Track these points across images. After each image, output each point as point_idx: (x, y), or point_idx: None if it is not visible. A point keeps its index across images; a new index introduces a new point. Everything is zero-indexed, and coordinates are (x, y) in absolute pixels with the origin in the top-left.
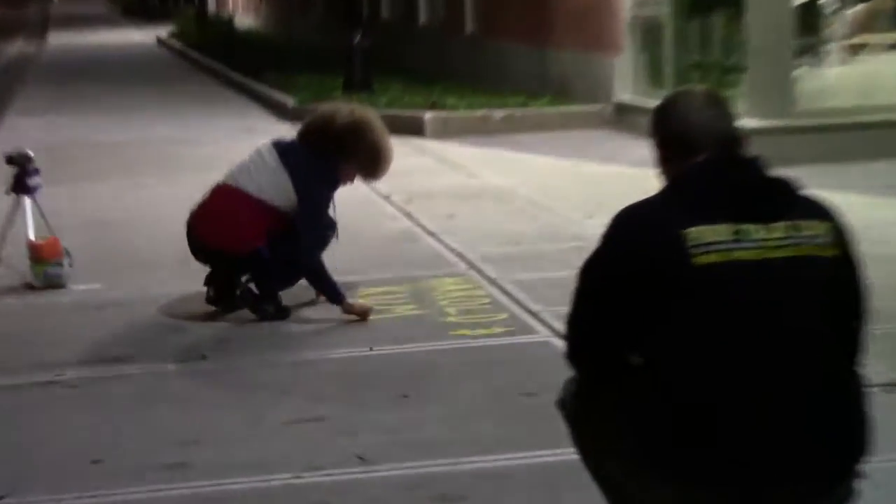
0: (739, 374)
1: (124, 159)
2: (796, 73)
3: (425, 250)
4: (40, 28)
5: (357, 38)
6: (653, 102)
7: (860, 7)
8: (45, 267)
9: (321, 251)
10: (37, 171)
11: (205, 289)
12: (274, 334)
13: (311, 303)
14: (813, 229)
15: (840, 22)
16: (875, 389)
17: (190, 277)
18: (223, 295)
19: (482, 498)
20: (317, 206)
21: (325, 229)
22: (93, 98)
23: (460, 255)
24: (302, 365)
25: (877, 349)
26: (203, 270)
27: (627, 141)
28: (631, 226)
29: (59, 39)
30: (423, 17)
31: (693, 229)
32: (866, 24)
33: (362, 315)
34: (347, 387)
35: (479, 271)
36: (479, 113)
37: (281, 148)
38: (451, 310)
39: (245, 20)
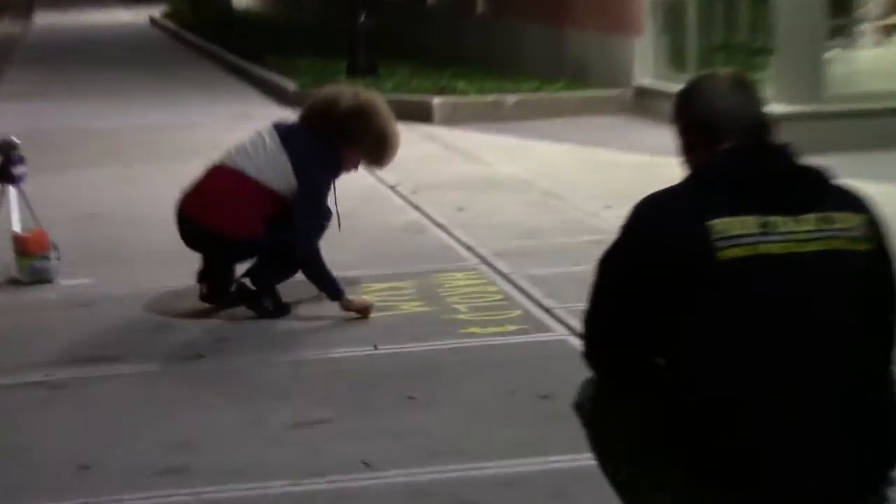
0: (767, 372)
1: (115, 147)
2: (828, 55)
3: (433, 243)
4: (25, 7)
5: (361, 19)
6: (675, 87)
7: None
8: (31, 261)
9: (317, 240)
10: (22, 160)
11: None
12: (273, 332)
13: (313, 299)
14: (846, 222)
15: (874, 1)
16: None
17: (184, 272)
18: (217, 290)
19: None
20: (316, 191)
21: (320, 217)
22: (82, 82)
23: (470, 249)
24: (302, 365)
25: None
26: (197, 264)
27: (648, 127)
28: (652, 216)
29: (46, 19)
30: None
31: (718, 221)
32: None
33: (363, 312)
34: (351, 388)
35: (491, 266)
36: (491, 98)
37: (282, 130)
38: (461, 307)
39: None
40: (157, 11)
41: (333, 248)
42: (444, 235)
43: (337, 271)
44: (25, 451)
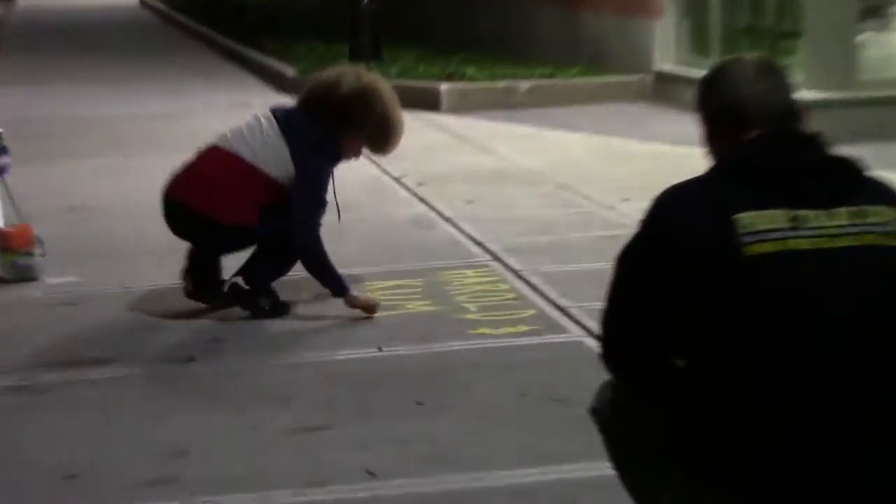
0: (798, 374)
1: (103, 136)
2: (860, 38)
3: (441, 239)
4: None
5: (365, 1)
6: (698, 72)
7: None
8: (14, 257)
9: (316, 231)
10: (5, 150)
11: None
12: (270, 333)
13: (313, 297)
14: (880, 216)
15: None
16: None
17: (177, 269)
18: (204, 285)
19: None
20: (314, 178)
21: (319, 206)
22: (67, 67)
23: (481, 245)
24: (302, 367)
25: None
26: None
27: (669, 115)
28: (674, 210)
29: (30, 0)
30: None
31: (745, 215)
32: None
33: (368, 310)
34: (354, 392)
35: (502, 262)
36: (502, 84)
37: (280, 114)
38: (471, 306)
39: None
40: None
41: (334, 243)
42: (452, 230)
43: (339, 269)
44: (7, 460)
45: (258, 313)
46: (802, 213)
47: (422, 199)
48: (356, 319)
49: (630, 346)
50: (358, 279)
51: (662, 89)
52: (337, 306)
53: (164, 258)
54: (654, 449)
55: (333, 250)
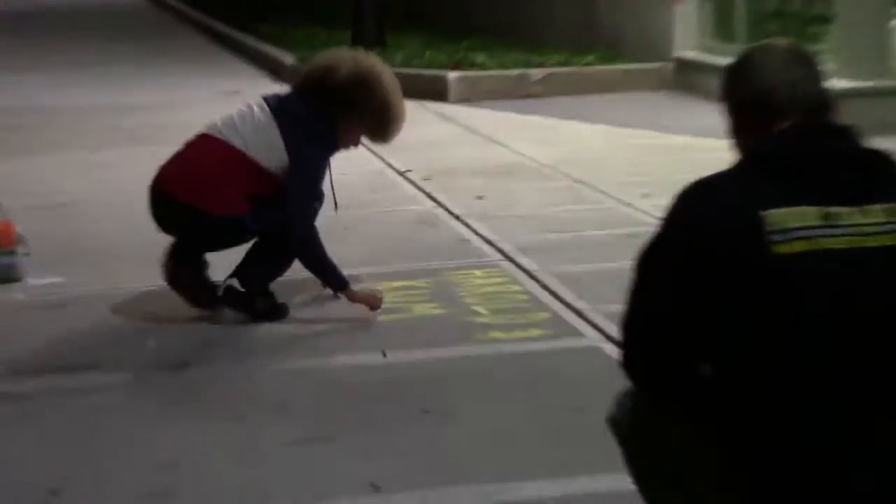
0: (830, 380)
1: (89, 128)
2: (895, 23)
3: (449, 237)
4: None
5: None
6: (722, 59)
7: None
8: None
9: (312, 223)
10: None
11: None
12: (268, 337)
13: (313, 299)
14: None
15: None
16: None
17: None
18: (187, 268)
19: None
20: (309, 166)
21: (314, 198)
22: (50, 53)
23: (491, 244)
24: (302, 374)
25: None
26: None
27: (691, 105)
28: (698, 206)
29: None
30: None
31: (773, 212)
32: None
33: (371, 305)
34: (357, 400)
35: (514, 262)
36: (514, 72)
37: (273, 101)
38: (481, 309)
39: None
40: None
41: (334, 242)
42: (461, 228)
43: (341, 268)
44: None
45: (255, 316)
46: (834, 209)
47: (428, 195)
48: (358, 323)
49: (652, 352)
50: (359, 280)
51: (684, 77)
52: (338, 309)
53: (153, 257)
54: (678, 463)
55: (333, 250)
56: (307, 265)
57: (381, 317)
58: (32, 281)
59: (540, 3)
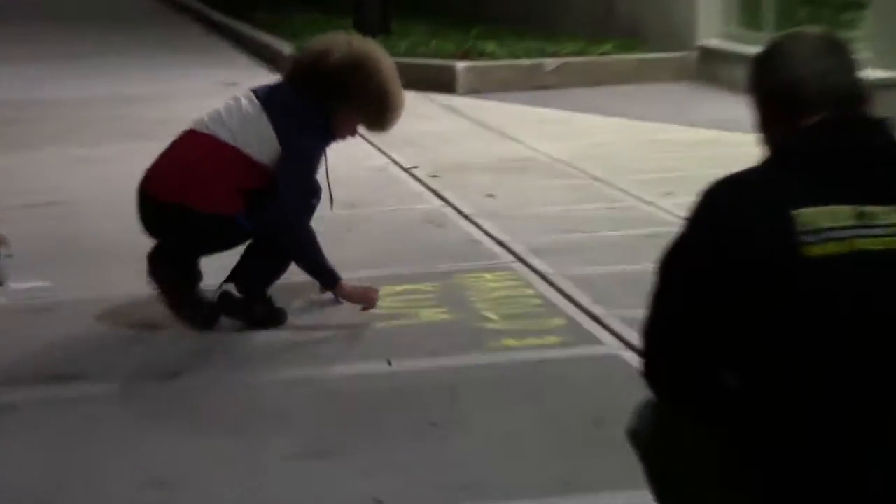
0: (866, 389)
1: (77, 122)
2: None
3: (458, 238)
4: None
5: None
6: (749, 49)
7: None
8: None
9: (308, 220)
10: None
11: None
12: (265, 345)
13: (313, 304)
14: None
15: None
16: None
17: None
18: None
19: None
20: (303, 158)
21: (308, 193)
22: (37, 43)
23: (502, 245)
24: (302, 384)
25: None
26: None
27: (715, 97)
28: (724, 205)
29: None
30: None
31: (804, 211)
32: None
33: (366, 303)
34: (360, 412)
35: (527, 265)
36: (526, 62)
37: (262, 91)
38: (492, 314)
39: None
40: None
41: (335, 243)
42: (470, 228)
43: (342, 272)
44: None
45: (252, 323)
46: (869, 208)
47: (435, 193)
48: (361, 329)
49: (675, 361)
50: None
51: (708, 68)
52: (339, 314)
53: (143, 261)
54: (702, 480)
55: (335, 251)
56: (296, 259)
57: (385, 323)
58: (15, 285)
59: None
